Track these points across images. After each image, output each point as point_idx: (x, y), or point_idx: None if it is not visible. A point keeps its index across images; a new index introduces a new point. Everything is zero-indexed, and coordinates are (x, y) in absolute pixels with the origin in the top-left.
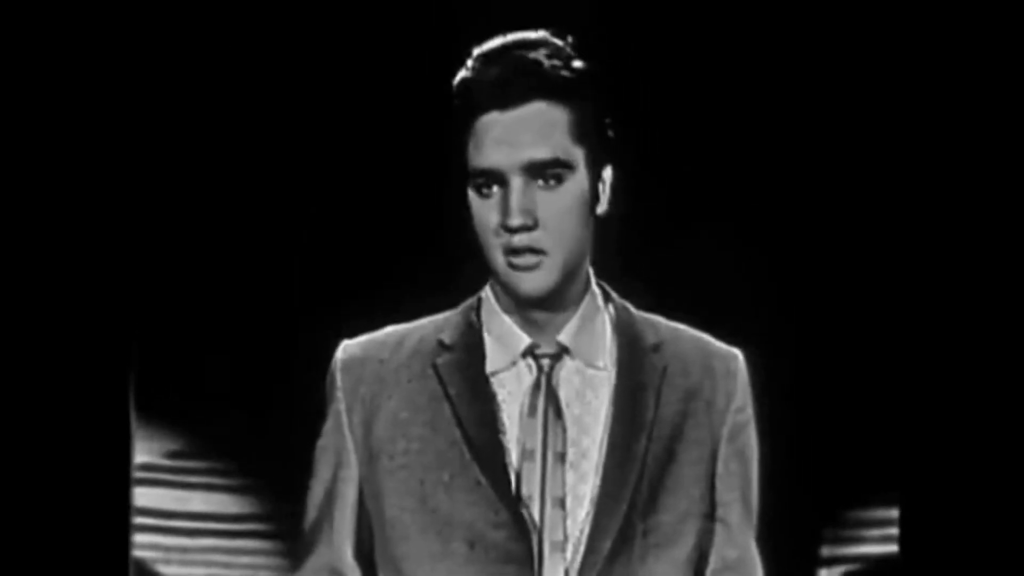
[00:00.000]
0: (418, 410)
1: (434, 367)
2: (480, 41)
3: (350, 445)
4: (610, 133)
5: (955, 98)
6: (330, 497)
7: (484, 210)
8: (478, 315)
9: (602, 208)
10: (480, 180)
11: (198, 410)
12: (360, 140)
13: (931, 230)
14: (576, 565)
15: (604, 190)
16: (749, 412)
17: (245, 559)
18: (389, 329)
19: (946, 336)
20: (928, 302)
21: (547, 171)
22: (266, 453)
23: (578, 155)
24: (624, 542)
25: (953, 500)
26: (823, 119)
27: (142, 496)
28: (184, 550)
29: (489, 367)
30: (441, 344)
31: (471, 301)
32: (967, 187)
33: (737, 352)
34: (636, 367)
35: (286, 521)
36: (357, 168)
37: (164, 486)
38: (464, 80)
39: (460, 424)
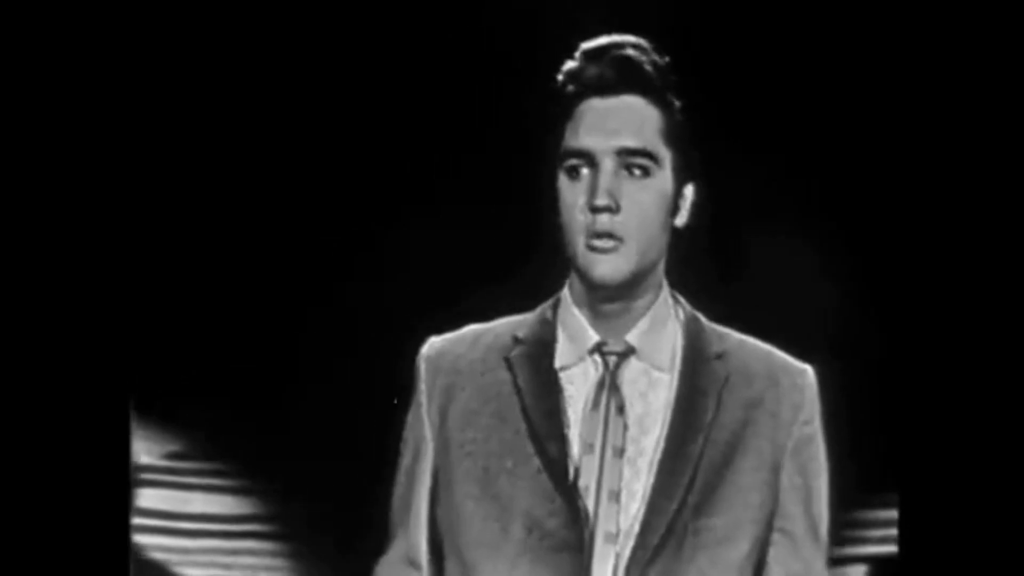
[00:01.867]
0: (488, 400)
1: (506, 360)
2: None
3: (428, 434)
4: (694, 149)
5: None
6: (410, 486)
7: (572, 191)
8: (554, 312)
9: (681, 220)
10: (573, 161)
11: (198, 411)
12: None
13: (926, 229)
14: (625, 557)
15: (684, 203)
16: (816, 426)
17: (246, 560)
18: (471, 327)
19: (946, 336)
20: (927, 303)
21: (636, 160)
22: (267, 454)
23: (665, 155)
24: (673, 539)
25: (953, 501)
26: (908, 122)
27: (143, 497)
28: (185, 551)
29: (558, 362)
30: (515, 339)
31: (549, 301)
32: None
33: (807, 367)
34: (699, 373)
35: (287, 522)
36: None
37: (165, 487)
38: (569, 69)
39: (526, 414)
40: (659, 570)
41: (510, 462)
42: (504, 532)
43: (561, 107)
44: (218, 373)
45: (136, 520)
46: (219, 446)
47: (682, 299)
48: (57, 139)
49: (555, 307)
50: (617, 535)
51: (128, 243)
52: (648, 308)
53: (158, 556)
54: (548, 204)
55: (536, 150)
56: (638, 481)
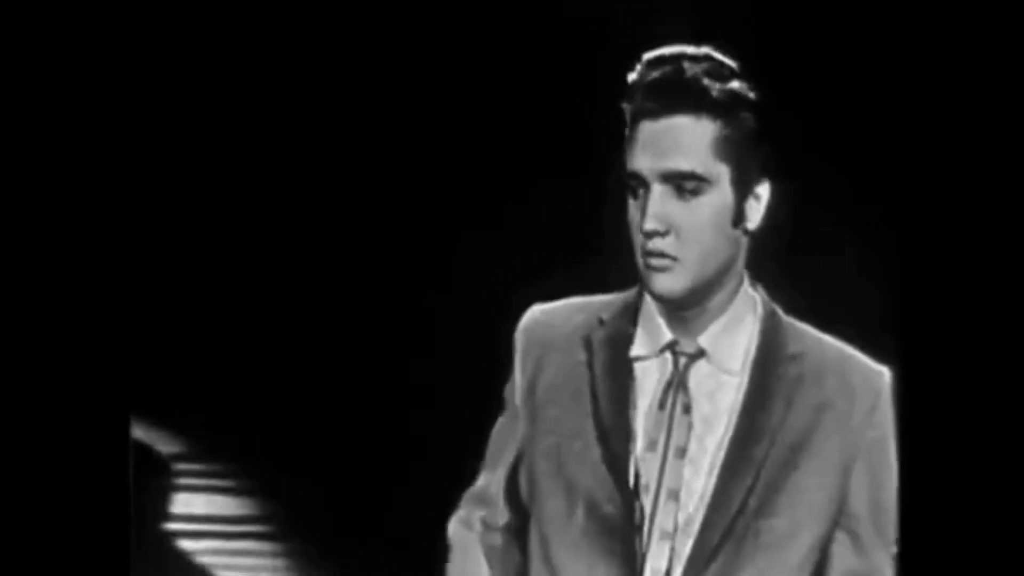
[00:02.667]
0: (568, 379)
1: (587, 340)
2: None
3: (519, 403)
4: (764, 152)
5: None
6: (502, 442)
7: (632, 210)
8: (639, 301)
9: (754, 223)
10: (631, 182)
11: (199, 413)
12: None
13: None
14: (683, 555)
15: (757, 206)
16: (888, 431)
17: (245, 560)
18: (571, 300)
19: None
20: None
21: (684, 182)
22: (267, 456)
23: (720, 171)
24: (733, 540)
25: (954, 500)
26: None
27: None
28: (185, 552)
29: (634, 351)
30: (600, 320)
31: (638, 287)
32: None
33: (884, 370)
34: (771, 374)
35: (287, 523)
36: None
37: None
38: (630, 84)
39: (595, 399)
40: (717, 569)
41: (579, 444)
42: (571, 512)
43: (627, 124)
44: (218, 375)
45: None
46: (219, 448)
47: (763, 293)
48: (55, 139)
49: (639, 294)
50: (674, 533)
51: (128, 245)
52: (724, 309)
53: (159, 558)
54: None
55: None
56: (698, 480)
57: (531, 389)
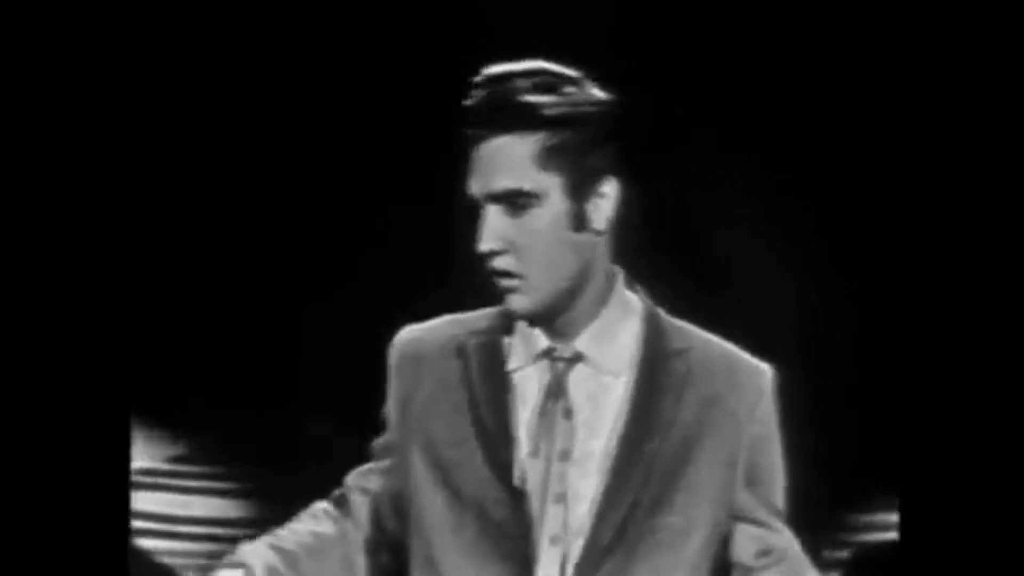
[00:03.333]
0: (446, 391)
1: (462, 351)
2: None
3: (394, 419)
4: (606, 153)
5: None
6: (376, 463)
7: (476, 232)
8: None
9: (601, 223)
10: (472, 206)
11: (198, 415)
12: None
13: (928, 230)
14: (574, 557)
15: (603, 206)
16: (772, 426)
17: None
18: (446, 317)
19: (945, 337)
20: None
21: (513, 200)
22: (267, 458)
23: (549, 183)
24: (626, 540)
25: (953, 503)
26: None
27: (143, 501)
28: (186, 554)
29: (511, 363)
30: (473, 332)
31: None
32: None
33: (765, 367)
34: (658, 371)
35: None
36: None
37: (165, 491)
38: (464, 109)
39: (474, 407)
40: (610, 570)
41: (461, 452)
42: (459, 519)
43: (465, 147)
44: (219, 378)
45: (137, 524)
46: (220, 450)
47: (642, 294)
48: (57, 139)
49: None
50: (563, 537)
51: (128, 246)
52: (597, 311)
53: (158, 560)
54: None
55: None
56: (587, 481)
57: (406, 404)
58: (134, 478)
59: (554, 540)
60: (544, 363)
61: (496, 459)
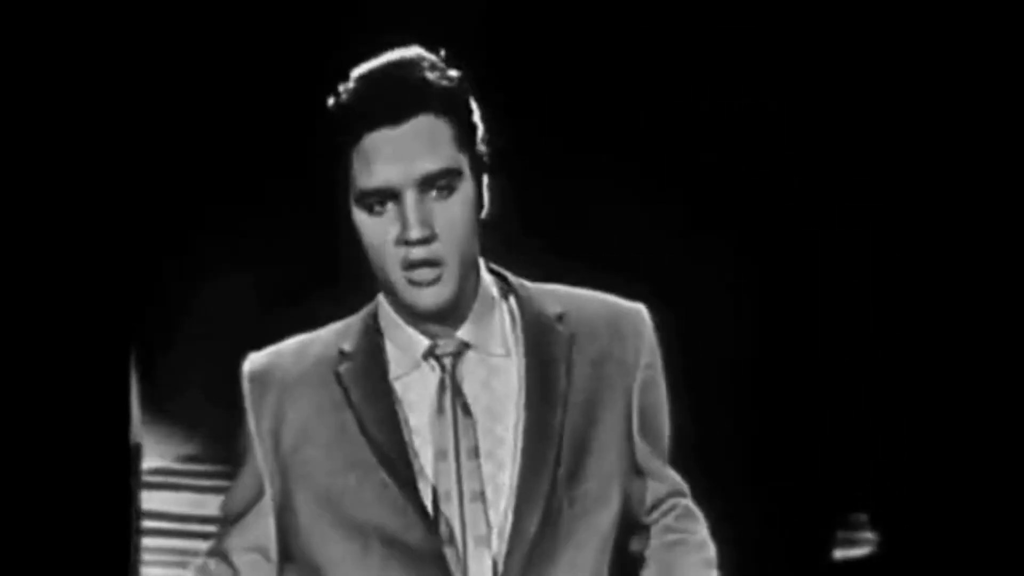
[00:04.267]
0: (323, 417)
1: (336, 375)
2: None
3: (259, 456)
4: (485, 139)
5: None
6: (243, 499)
7: (378, 227)
8: (376, 321)
9: (485, 211)
10: (372, 199)
11: (210, 414)
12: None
13: (915, 237)
14: (503, 553)
15: (485, 194)
16: (658, 364)
17: None
18: (293, 339)
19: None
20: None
21: (439, 182)
22: None
23: (464, 163)
24: (550, 520)
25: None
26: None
27: (155, 500)
28: (198, 554)
29: (392, 372)
30: (342, 353)
31: (370, 307)
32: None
33: (641, 307)
34: (543, 342)
35: None
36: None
37: (177, 490)
38: (345, 101)
39: (364, 429)
40: (540, 555)
41: (353, 478)
42: (362, 548)
43: (341, 143)
44: (231, 375)
45: (148, 523)
46: (231, 449)
47: (505, 272)
48: (57, 138)
49: (375, 315)
50: (489, 535)
51: (138, 243)
52: (472, 299)
53: (170, 558)
54: (346, 236)
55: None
56: (503, 472)
57: (275, 437)
58: (146, 477)
59: (479, 540)
60: (428, 364)
61: (400, 478)
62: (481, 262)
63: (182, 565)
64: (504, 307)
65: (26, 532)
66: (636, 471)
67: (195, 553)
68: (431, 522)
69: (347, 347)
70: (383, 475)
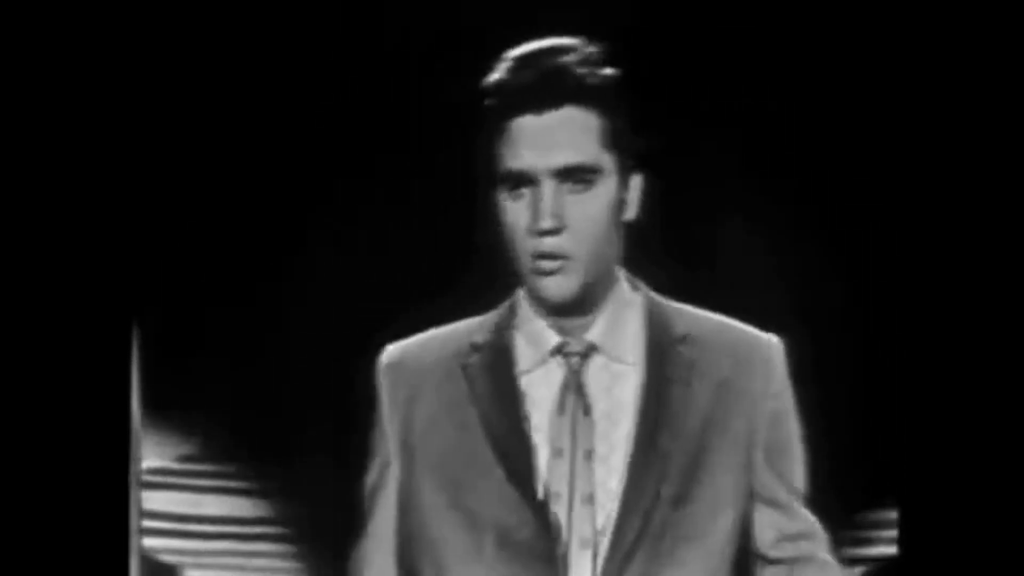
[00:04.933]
0: (450, 410)
1: (464, 368)
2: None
3: (391, 446)
4: (638, 140)
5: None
6: (375, 494)
7: (514, 212)
8: (511, 316)
9: (631, 214)
10: (512, 182)
11: (210, 413)
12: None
13: (931, 231)
14: (602, 559)
15: (634, 196)
16: (787, 398)
17: (259, 562)
18: (430, 332)
19: (947, 337)
20: (929, 304)
21: (577, 175)
22: (279, 456)
23: (607, 161)
24: (651, 535)
25: (955, 502)
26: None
27: (154, 500)
28: (197, 553)
29: (519, 366)
30: (472, 346)
31: (507, 301)
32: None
33: (773, 338)
34: (664, 361)
35: (300, 524)
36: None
37: (176, 490)
38: (498, 82)
39: (486, 424)
40: (638, 567)
41: (474, 473)
42: (477, 542)
43: (492, 123)
44: (231, 374)
45: (147, 523)
46: (231, 448)
47: (640, 283)
48: (56, 137)
49: (512, 310)
50: (593, 537)
51: (138, 243)
52: (606, 302)
53: (169, 559)
54: (486, 219)
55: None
56: (614, 479)
57: (406, 427)
58: (145, 477)
59: (584, 543)
60: (555, 361)
61: (518, 474)
62: (621, 270)
63: (181, 565)
64: (635, 318)
65: (26, 532)
66: (761, 501)
67: (194, 553)
68: (543, 520)
69: (479, 339)
70: (501, 471)
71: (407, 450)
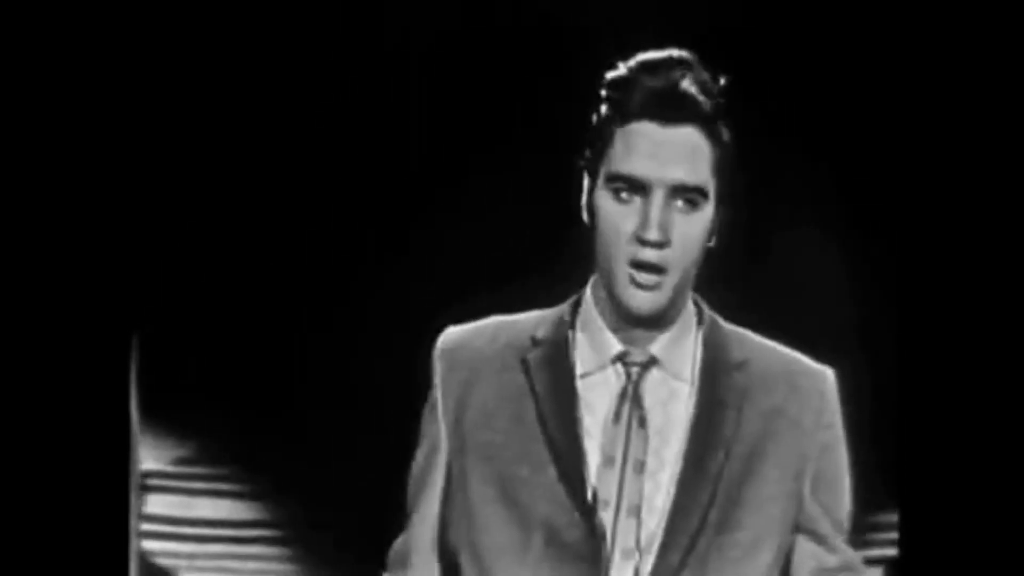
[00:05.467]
0: (505, 402)
1: (523, 361)
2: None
3: (442, 432)
4: (737, 172)
5: None
6: (422, 481)
7: (619, 215)
8: (575, 315)
9: (714, 241)
10: (622, 184)
11: (205, 416)
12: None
13: (928, 231)
14: (646, 573)
15: (718, 225)
16: (838, 430)
17: (253, 565)
18: (491, 319)
19: (947, 340)
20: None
21: (688, 194)
22: (274, 459)
23: (712, 186)
24: (695, 555)
25: (954, 504)
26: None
27: (150, 503)
28: (192, 556)
29: (579, 368)
30: (533, 340)
31: (572, 299)
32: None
33: (828, 370)
34: (718, 384)
35: (294, 527)
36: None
37: (172, 493)
38: (624, 80)
39: (543, 422)
40: None
41: (527, 469)
42: (524, 539)
43: (609, 121)
44: (225, 378)
45: (143, 526)
46: (226, 451)
47: (702, 302)
48: (56, 138)
49: (576, 308)
50: (636, 551)
51: (136, 247)
52: (675, 318)
53: (165, 561)
54: (584, 214)
55: (557, 154)
56: (659, 495)
57: (459, 414)
58: (141, 480)
59: (626, 554)
60: (613, 369)
61: (568, 473)
62: (692, 292)
63: (175, 568)
64: (695, 338)
65: (26, 534)
66: (803, 532)
67: (189, 556)
68: (590, 526)
69: (540, 335)
70: (554, 472)
71: (458, 437)
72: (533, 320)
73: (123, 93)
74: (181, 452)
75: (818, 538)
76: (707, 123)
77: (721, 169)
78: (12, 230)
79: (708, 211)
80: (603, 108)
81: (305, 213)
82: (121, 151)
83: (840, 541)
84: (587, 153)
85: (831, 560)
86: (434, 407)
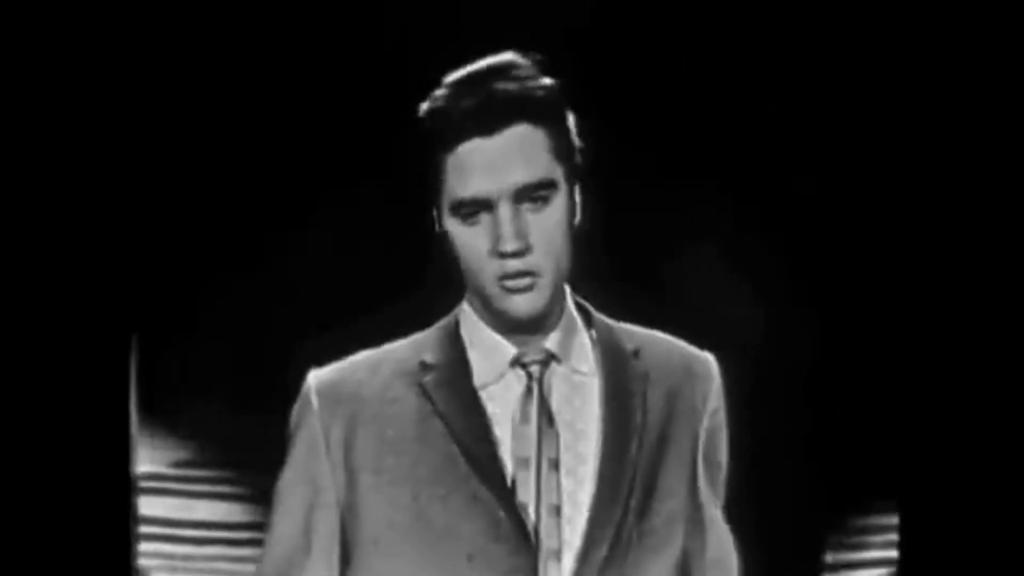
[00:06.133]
0: (408, 426)
1: (420, 386)
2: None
3: (326, 469)
4: (580, 148)
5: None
6: (306, 531)
7: (471, 237)
8: (458, 331)
9: (578, 220)
10: (466, 209)
11: (203, 419)
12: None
13: (928, 231)
14: (570, 573)
15: (577, 203)
16: (722, 415)
17: (250, 567)
18: (360, 354)
19: (944, 339)
20: (926, 306)
21: (534, 193)
22: (271, 462)
23: (559, 173)
24: (620, 547)
25: (953, 505)
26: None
27: (147, 505)
28: (189, 558)
29: (477, 381)
30: (424, 364)
31: (448, 318)
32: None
33: (710, 356)
34: (620, 374)
35: None
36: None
37: (169, 495)
38: (439, 109)
39: (455, 439)
40: None
41: (442, 489)
42: (443, 560)
43: (434, 151)
44: (224, 381)
45: (140, 528)
46: (224, 454)
47: (584, 301)
48: (56, 138)
49: (456, 327)
50: (560, 551)
51: (133, 247)
52: (560, 311)
53: (163, 563)
54: (443, 245)
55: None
56: (583, 491)
57: (347, 447)
58: (139, 483)
59: (551, 554)
60: (513, 372)
61: (492, 486)
62: (567, 287)
63: (172, 570)
64: (584, 331)
65: (26, 535)
66: (701, 515)
67: (186, 558)
68: (521, 533)
69: (429, 358)
70: (475, 485)
71: (347, 472)
72: (410, 346)
73: (122, 94)
74: (179, 454)
75: (711, 525)
76: (536, 114)
77: (565, 149)
78: (12, 231)
79: (561, 198)
80: (425, 141)
81: (305, 213)
82: (120, 152)
83: (723, 527)
84: (425, 189)
85: (714, 553)
86: (314, 447)
